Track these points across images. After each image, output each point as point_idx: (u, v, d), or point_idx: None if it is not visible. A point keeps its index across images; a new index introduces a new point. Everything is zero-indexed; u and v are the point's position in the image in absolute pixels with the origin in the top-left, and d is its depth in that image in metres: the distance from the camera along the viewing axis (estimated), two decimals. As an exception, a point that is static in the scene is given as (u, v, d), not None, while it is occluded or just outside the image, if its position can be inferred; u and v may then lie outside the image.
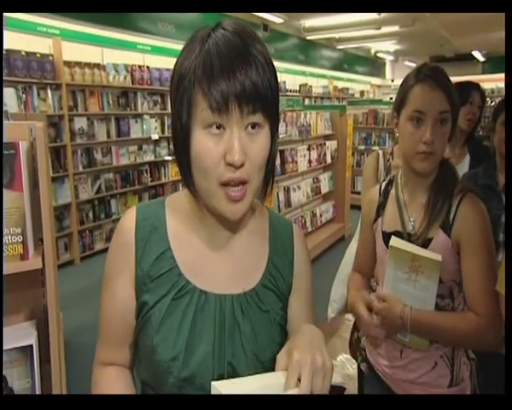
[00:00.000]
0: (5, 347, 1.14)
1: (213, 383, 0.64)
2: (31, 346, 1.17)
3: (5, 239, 1.11)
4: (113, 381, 0.82)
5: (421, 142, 1.17)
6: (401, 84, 1.28)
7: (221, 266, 0.81)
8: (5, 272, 1.11)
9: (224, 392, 0.61)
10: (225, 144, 0.67)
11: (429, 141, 1.16)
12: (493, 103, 11.54)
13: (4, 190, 1.09)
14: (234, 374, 0.75)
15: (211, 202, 0.72)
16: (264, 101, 0.69)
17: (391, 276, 1.21)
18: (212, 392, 0.63)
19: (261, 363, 0.78)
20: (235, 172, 0.68)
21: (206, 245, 0.81)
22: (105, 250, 0.90)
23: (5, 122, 1.44)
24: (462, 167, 2.19)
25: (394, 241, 1.20)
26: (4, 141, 1.08)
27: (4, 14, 4.20)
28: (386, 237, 1.30)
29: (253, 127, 0.69)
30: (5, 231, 1.10)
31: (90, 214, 5.46)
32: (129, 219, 0.81)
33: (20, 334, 1.21)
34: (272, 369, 0.68)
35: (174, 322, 0.76)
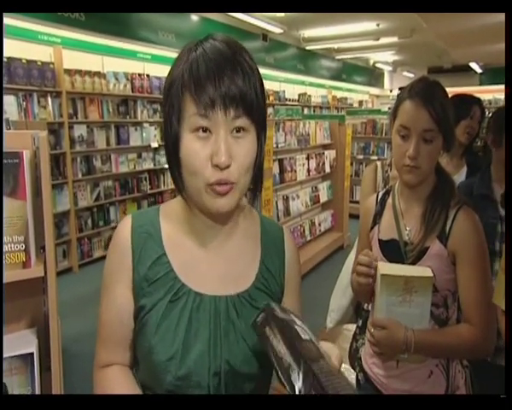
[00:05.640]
0: (6, 354, 1.14)
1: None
2: (31, 354, 1.18)
3: (8, 247, 1.11)
4: (118, 379, 0.83)
5: (406, 155, 1.20)
6: (398, 95, 1.31)
7: (214, 268, 0.83)
8: (8, 279, 1.11)
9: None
10: (212, 147, 0.71)
11: (412, 156, 1.18)
12: (490, 114, 11.58)
13: (8, 199, 1.10)
14: (230, 371, 0.78)
15: (200, 200, 0.75)
16: (250, 106, 0.72)
17: (384, 302, 1.16)
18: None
19: (257, 359, 0.80)
20: (222, 173, 0.71)
21: (198, 248, 0.84)
22: (104, 258, 0.92)
23: (6, 130, 1.45)
24: (460, 178, 2.22)
25: (384, 268, 1.16)
26: (8, 150, 1.09)
27: (6, 22, 4.24)
28: (383, 244, 1.31)
29: (238, 131, 0.72)
30: (8, 239, 1.11)
31: (89, 222, 5.46)
32: (125, 227, 0.83)
33: (21, 342, 1.21)
34: (267, 365, 0.69)
35: (171, 323, 0.78)
